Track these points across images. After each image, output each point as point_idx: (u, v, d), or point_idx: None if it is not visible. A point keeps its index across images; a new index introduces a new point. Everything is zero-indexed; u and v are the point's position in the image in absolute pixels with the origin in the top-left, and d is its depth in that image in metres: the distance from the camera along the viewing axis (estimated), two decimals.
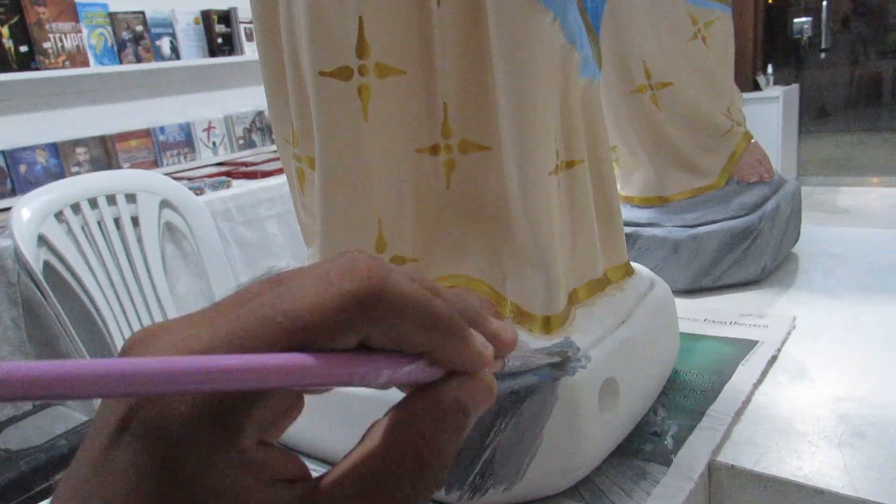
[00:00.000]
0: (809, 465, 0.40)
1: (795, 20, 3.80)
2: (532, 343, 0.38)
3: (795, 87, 3.67)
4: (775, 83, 3.63)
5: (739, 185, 0.68)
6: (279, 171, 2.17)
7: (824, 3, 3.82)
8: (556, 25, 0.37)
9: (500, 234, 0.41)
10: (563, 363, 0.36)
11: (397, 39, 0.38)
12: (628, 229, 0.65)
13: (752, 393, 0.48)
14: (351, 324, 0.17)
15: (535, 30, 0.36)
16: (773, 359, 0.53)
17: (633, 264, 0.48)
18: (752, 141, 0.70)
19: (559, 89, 0.39)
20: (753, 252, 0.65)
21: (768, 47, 3.91)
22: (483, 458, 0.36)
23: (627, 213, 0.68)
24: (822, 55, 4.08)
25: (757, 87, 3.49)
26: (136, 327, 1.54)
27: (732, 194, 0.67)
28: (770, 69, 3.65)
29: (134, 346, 0.17)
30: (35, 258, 1.40)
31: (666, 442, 0.43)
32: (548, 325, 0.39)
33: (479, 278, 0.41)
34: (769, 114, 3.22)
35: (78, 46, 2.24)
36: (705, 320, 0.60)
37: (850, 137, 4.73)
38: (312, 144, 0.42)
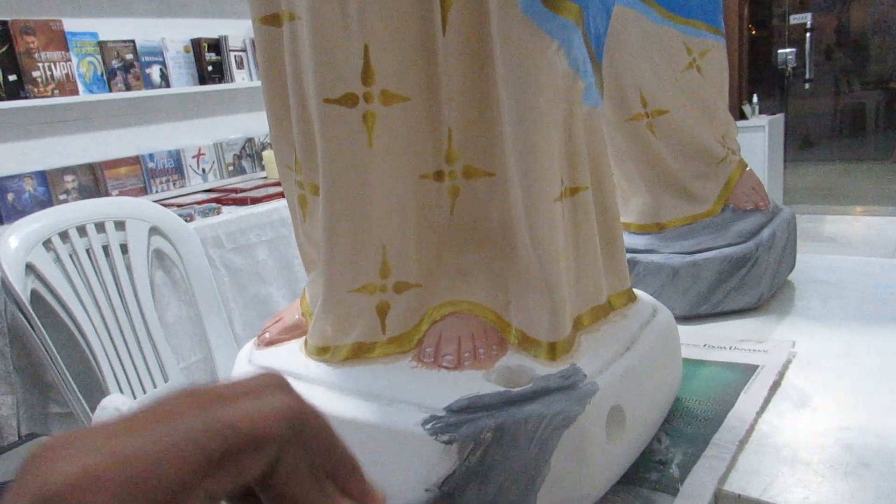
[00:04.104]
0: (816, 495, 0.40)
1: (780, 51, 3.88)
2: (537, 369, 0.38)
3: (780, 116, 3.74)
4: (760, 112, 3.69)
5: (735, 213, 0.68)
6: (269, 198, 2.17)
7: (808, 35, 3.90)
8: (561, 53, 0.37)
9: (504, 259, 0.41)
10: (573, 387, 0.36)
11: (403, 67, 0.39)
12: (626, 255, 0.65)
13: (755, 421, 0.48)
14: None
15: (539, 58, 0.37)
16: (776, 384, 0.52)
17: (636, 291, 0.48)
18: (747, 169, 0.71)
19: (563, 116, 0.40)
20: (751, 279, 0.65)
21: (753, 77, 3.99)
22: (493, 488, 0.35)
23: (625, 239, 0.68)
24: (807, 85, 4.16)
25: (743, 116, 3.55)
26: (125, 355, 1.52)
27: (729, 222, 0.67)
28: (755, 99, 3.72)
29: (36, 459, 0.16)
30: (22, 287, 1.38)
31: (671, 470, 0.42)
32: (553, 351, 0.39)
33: (483, 304, 0.41)
34: (755, 143, 3.27)
35: (67, 75, 2.24)
36: (705, 345, 0.60)
37: (835, 166, 4.81)
38: (315, 171, 0.41)
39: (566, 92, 0.39)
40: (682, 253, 0.66)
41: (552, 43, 0.37)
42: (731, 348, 0.59)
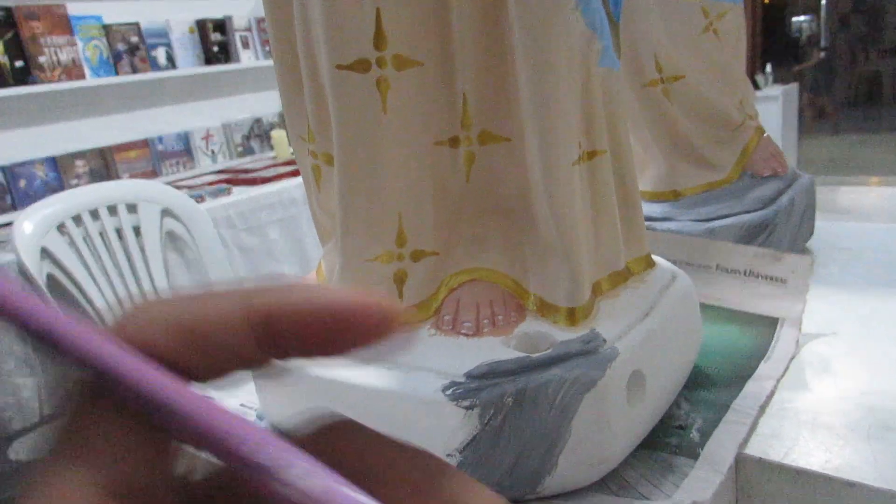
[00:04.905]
0: (838, 458, 0.40)
1: (794, 19, 3.80)
2: (557, 335, 0.38)
3: (794, 86, 3.67)
4: (774, 82, 3.64)
5: (753, 180, 0.67)
6: (279, 178, 2.17)
7: (823, 2, 3.83)
8: (578, 13, 0.37)
9: (521, 226, 0.40)
10: (593, 352, 0.36)
11: (415, 31, 0.38)
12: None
13: (775, 386, 0.47)
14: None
15: (556, 17, 0.36)
16: (797, 343, 0.52)
17: (654, 257, 0.47)
18: (765, 135, 0.70)
19: (580, 78, 0.39)
20: (769, 246, 0.65)
21: (767, 46, 3.92)
22: (514, 452, 0.35)
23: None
24: (822, 54, 4.09)
25: (756, 87, 3.50)
26: None
27: (746, 188, 0.66)
28: (769, 68, 3.65)
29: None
30: (38, 271, 1.39)
31: (692, 435, 0.42)
32: (572, 316, 0.39)
33: (501, 271, 0.41)
34: (768, 113, 3.22)
35: (73, 59, 2.24)
36: (717, 267, 0.59)
37: (850, 137, 4.74)
38: (328, 140, 0.41)
39: (583, 53, 0.39)
40: (698, 220, 0.65)
41: (569, 1, 0.36)
42: (745, 273, 0.57)
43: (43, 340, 0.13)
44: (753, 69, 3.62)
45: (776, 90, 3.43)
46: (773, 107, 3.33)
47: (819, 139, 4.63)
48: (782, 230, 0.65)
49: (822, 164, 4.06)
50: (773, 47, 4.00)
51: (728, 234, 0.64)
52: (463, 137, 0.40)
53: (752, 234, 0.64)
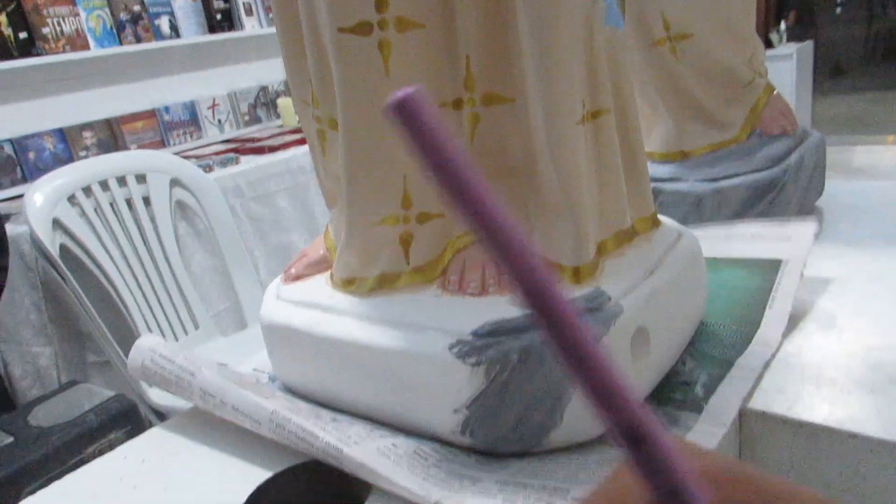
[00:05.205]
0: (842, 410, 0.40)
1: None
2: None
3: (809, 43, 3.59)
4: (788, 40, 3.56)
5: (762, 139, 0.67)
6: (286, 146, 2.16)
7: None
8: None
9: (526, 186, 0.41)
10: (598, 309, 0.36)
11: None
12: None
13: (781, 342, 0.48)
14: None
15: None
16: (801, 275, 0.52)
17: (660, 216, 0.48)
18: (775, 93, 0.69)
19: (584, 37, 0.38)
20: (778, 206, 0.64)
21: (781, 2, 3.83)
22: (519, 407, 0.36)
23: (648, 168, 0.67)
24: (837, 10, 3.99)
25: (770, 45, 3.42)
26: (155, 305, 1.55)
27: (755, 147, 0.66)
28: (783, 25, 3.57)
29: None
30: (51, 242, 1.41)
31: (696, 391, 0.43)
32: (577, 275, 0.39)
33: None
34: (782, 71, 3.16)
35: (77, 30, 2.22)
36: (726, 237, 0.59)
37: (866, 95, 4.64)
38: (333, 105, 0.41)
39: (586, 12, 0.38)
40: (706, 181, 0.65)
41: None
42: (752, 236, 0.57)
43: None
44: (767, 27, 3.54)
45: (790, 48, 3.35)
46: (788, 65, 3.26)
47: (835, 98, 4.55)
48: (791, 189, 0.65)
49: (838, 123, 3.99)
50: (787, 4, 3.91)
51: (736, 193, 0.64)
52: (466, 99, 0.40)
53: (761, 194, 0.64)
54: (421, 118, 0.13)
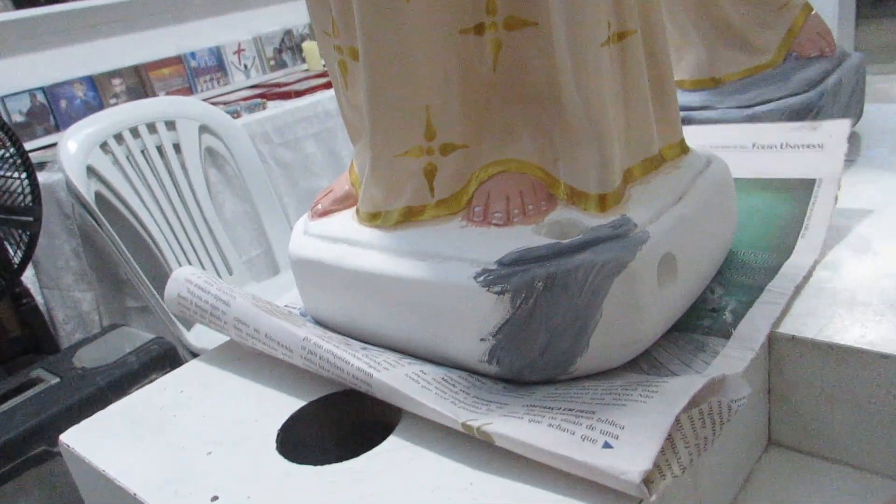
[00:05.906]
0: (874, 332, 0.40)
1: None
2: (587, 221, 0.38)
3: None
4: None
5: (798, 61, 0.64)
6: (312, 90, 2.15)
7: None
8: None
9: (550, 114, 0.40)
10: (624, 236, 0.36)
11: None
12: (681, 114, 0.63)
13: (812, 268, 0.47)
14: None
15: None
16: (836, 199, 0.50)
17: (689, 143, 0.46)
18: (812, 13, 0.66)
19: None
20: None
21: None
22: (545, 334, 0.37)
23: (679, 97, 0.65)
24: None
25: None
26: (189, 251, 1.59)
27: (791, 71, 0.64)
28: None
29: None
30: (86, 189, 1.44)
31: (725, 317, 0.43)
32: (603, 203, 0.39)
33: (530, 161, 0.41)
34: None
35: None
36: (754, 146, 0.57)
37: None
38: (353, 33, 0.40)
39: None
40: (739, 107, 0.63)
41: None
42: (782, 146, 0.56)
43: None
44: None
45: None
46: None
47: (879, 24, 4.32)
48: (828, 113, 0.62)
49: (883, 50, 3.80)
50: None
51: (771, 119, 0.62)
52: (489, 24, 0.39)
53: (797, 119, 0.62)
54: None
